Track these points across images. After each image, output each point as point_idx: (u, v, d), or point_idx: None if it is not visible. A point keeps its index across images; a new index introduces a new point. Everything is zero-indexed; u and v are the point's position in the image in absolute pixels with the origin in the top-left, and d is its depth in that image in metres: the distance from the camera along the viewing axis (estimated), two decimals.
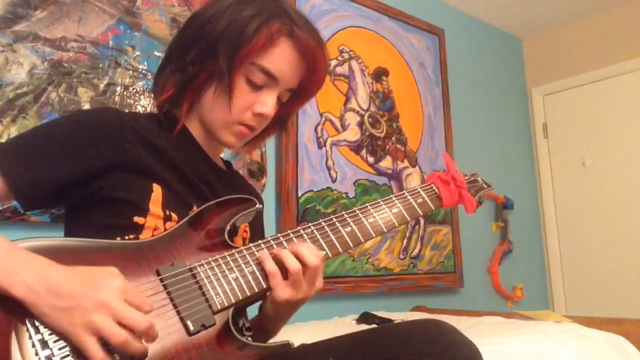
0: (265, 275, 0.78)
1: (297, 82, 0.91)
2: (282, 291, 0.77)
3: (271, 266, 0.77)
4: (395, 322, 1.87)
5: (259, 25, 0.83)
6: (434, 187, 0.99)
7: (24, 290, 0.59)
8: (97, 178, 0.78)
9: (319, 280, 0.81)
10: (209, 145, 0.94)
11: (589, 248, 3.18)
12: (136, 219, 0.78)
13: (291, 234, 0.83)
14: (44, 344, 0.60)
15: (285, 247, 0.80)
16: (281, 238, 0.82)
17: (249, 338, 0.83)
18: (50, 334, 0.60)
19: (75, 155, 0.77)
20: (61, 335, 0.60)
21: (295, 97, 0.94)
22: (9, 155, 0.76)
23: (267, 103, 0.87)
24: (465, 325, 1.71)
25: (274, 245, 0.81)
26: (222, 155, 1.05)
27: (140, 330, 0.61)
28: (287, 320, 0.91)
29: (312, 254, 0.78)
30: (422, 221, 2.57)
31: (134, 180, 0.79)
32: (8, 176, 0.74)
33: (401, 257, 2.45)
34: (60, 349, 0.60)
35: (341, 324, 1.91)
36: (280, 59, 0.86)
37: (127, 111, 0.98)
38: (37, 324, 0.61)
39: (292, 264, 0.77)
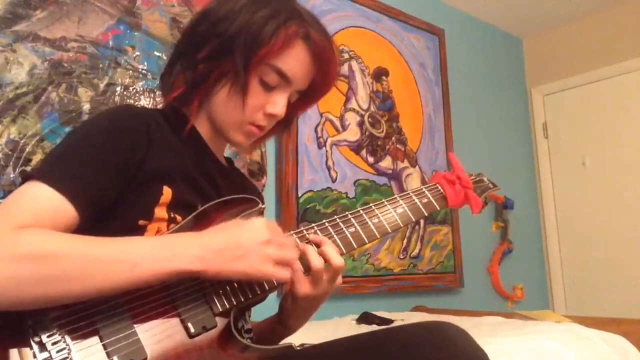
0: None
1: (308, 84, 0.91)
2: (302, 286, 0.79)
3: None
4: (395, 322, 1.87)
5: (277, 26, 0.83)
6: (439, 187, 0.98)
7: (197, 262, 0.67)
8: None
9: (339, 279, 0.83)
10: (215, 143, 0.93)
11: (589, 248, 3.18)
12: (141, 222, 0.76)
13: (294, 236, 0.82)
14: (42, 346, 0.59)
15: (310, 244, 0.81)
16: None
17: (249, 340, 0.83)
18: (48, 337, 0.60)
19: (119, 169, 0.74)
20: (243, 278, 0.72)
21: (304, 98, 0.94)
22: (67, 179, 0.70)
23: (279, 104, 0.87)
24: (466, 325, 1.69)
25: None
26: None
27: (295, 252, 0.76)
28: (307, 318, 0.89)
29: (337, 255, 0.80)
30: (422, 221, 2.57)
31: (147, 184, 0.77)
32: (76, 199, 0.69)
33: (401, 257, 2.45)
34: (58, 351, 0.59)
35: (341, 324, 1.90)
36: (295, 61, 0.86)
37: (145, 107, 0.95)
38: (36, 327, 0.60)
39: (316, 262, 0.78)
